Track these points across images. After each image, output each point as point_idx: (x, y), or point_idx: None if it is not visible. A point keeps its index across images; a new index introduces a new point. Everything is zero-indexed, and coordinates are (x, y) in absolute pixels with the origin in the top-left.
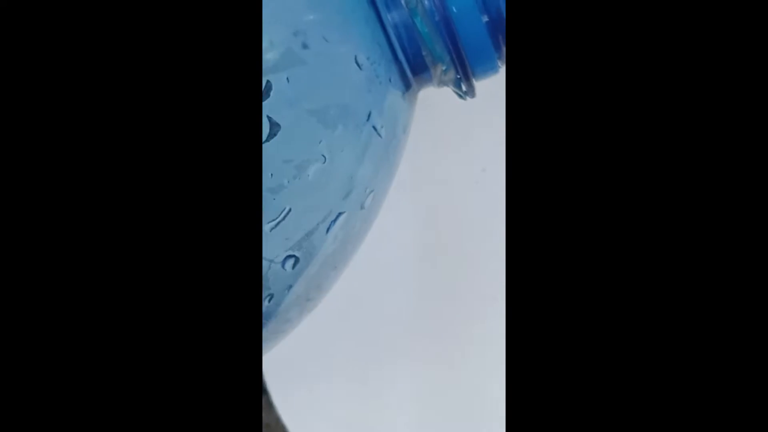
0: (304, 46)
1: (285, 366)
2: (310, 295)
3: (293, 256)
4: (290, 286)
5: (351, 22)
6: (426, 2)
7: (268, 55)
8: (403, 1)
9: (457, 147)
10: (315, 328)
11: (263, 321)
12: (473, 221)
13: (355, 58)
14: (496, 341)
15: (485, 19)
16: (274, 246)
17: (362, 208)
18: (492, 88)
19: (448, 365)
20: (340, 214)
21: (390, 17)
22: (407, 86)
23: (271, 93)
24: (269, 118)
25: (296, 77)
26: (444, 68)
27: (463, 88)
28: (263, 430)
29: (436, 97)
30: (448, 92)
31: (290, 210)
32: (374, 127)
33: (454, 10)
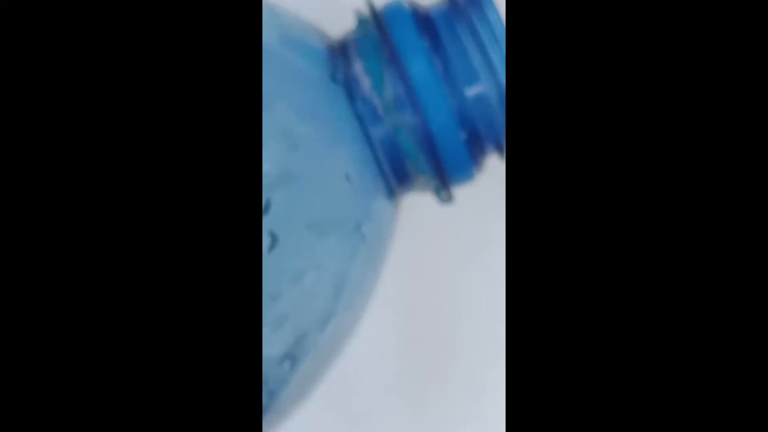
0: (299, 164)
1: None
2: (304, 389)
3: (291, 355)
4: (287, 383)
5: (341, 139)
6: (408, 120)
7: (268, 174)
8: (387, 119)
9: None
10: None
11: (262, 415)
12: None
13: (346, 174)
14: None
15: (463, 136)
16: (273, 347)
17: (352, 306)
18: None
19: None
20: (332, 314)
21: (375, 133)
22: (392, 194)
23: (271, 209)
24: (270, 232)
25: (293, 194)
26: (425, 179)
27: (443, 195)
28: None
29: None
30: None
31: (288, 314)
32: (363, 234)
33: (435, 128)
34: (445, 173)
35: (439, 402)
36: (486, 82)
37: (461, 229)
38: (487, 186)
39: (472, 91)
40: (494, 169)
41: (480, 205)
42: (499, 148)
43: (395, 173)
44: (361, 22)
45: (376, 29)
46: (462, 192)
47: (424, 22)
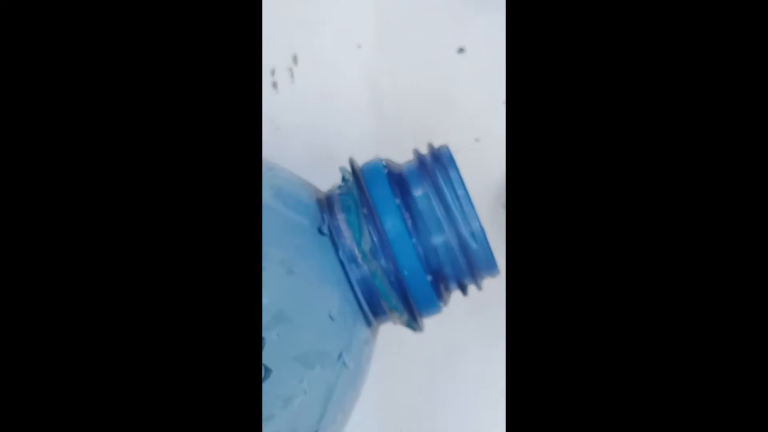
0: (290, 305)
1: None
2: None
3: None
4: None
5: (326, 282)
6: (383, 265)
7: (264, 317)
8: (364, 265)
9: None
10: None
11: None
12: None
13: (329, 313)
14: None
15: (429, 278)
16: None
17: (334, 422)
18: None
19: None
20: (318, 430)
21: (355, 277)
22: (369, 326)
23: (265, 345)
24: (263, 365)
25: (284, 333)
26: (398, 314)
27: (414, 326)
28: None
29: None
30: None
31: (280, 430)
32: (344, 363)
33: (405, 273)
34: (415, 309)
35: None
36: (448, 233)
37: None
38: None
39: (436, 241)
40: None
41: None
42: (461, 287)
43: (372, 309)
44: (344, 179)
45: (356, 187)
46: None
47: (397, 180)
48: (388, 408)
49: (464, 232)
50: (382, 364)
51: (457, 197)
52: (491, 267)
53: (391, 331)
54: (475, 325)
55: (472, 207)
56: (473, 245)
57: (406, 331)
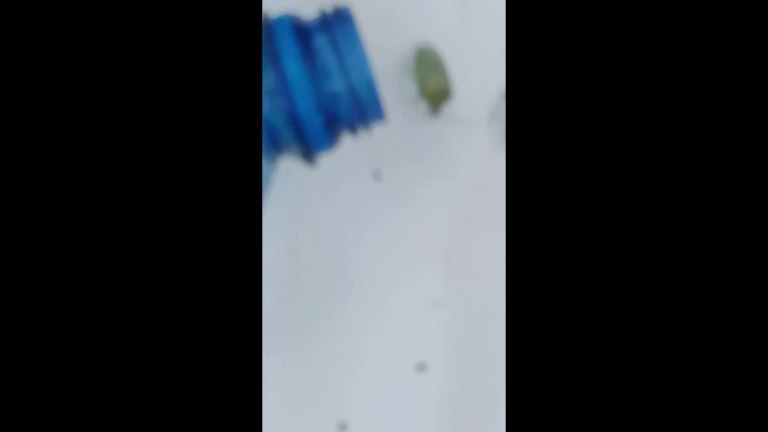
0: None
1: None
2: None
3: None
4: None
5: None
6: (282, 105)
7: None
8: (267, 104)
9: None
10: None
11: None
12: None
13: None
14: None
15: (322, 119)
16: None
17: None
18: None
19: None
20: None
21: (264, 113)
22: (271, 159)
23: None
24: None
25: None
26: (294, 149)
27: (308, 160)
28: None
29: None
30: None
31: None
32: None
33: (301, 112)
34: (309, 145)
35: None
36: (341, 81)
37: None
38: None
39: (330, 86)
40: None
41: None
42: (352, 128)
43: (274, 144)
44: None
45: (265, 36)
46: None
47: (301, 32)
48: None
49: (355, 80)
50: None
51: (352, 49)
52: (377, 113)
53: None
54: None
55: (365, 60)
56: (362, 92)
57: None
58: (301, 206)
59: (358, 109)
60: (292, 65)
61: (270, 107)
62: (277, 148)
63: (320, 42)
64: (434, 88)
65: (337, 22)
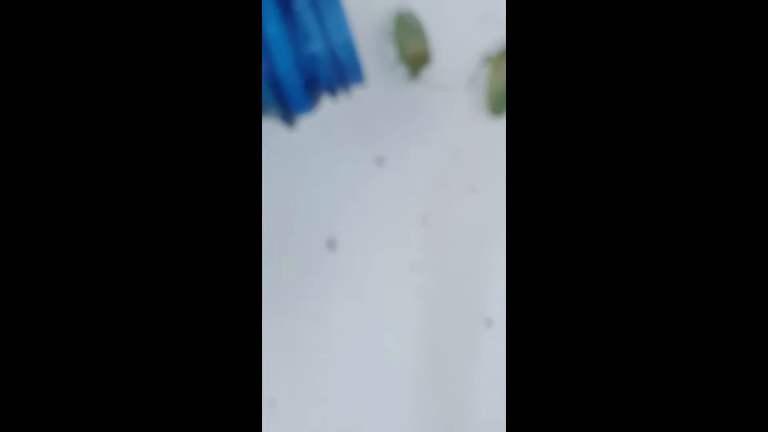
0: None
1: None
2: None
3: None
4: None
5: None
6: (263, 67)
7: None
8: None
9: None
10: None
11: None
12: None
13: None
14: None
15: (302, 81)
16: None
17: None
18: None
19: None
20: None
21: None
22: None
23: None
24: None
25: None
26: (275, 110)
27: (288, 122)
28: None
29: None
30: None
31: None
32: None
33: (280, 73)
34: (288, 108)
35: None
36: (320, 43)
37: None
38: None
39: (309, 48)
40: None
41: None
42: (331, 91)
43: (264, 105)
44: None
45: None
46: None
47: None
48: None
49: (335, 42)
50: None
51: (332, 12)
52: (357, 76)
53: None
54: None
55: (345, 22)
56: (342, 54)
57: None
58: (279, 169)
59: (337, 71)
60: (272, 26)
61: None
62: (265, 111)
63: (300, 4)
64: (414, 52)
65: None
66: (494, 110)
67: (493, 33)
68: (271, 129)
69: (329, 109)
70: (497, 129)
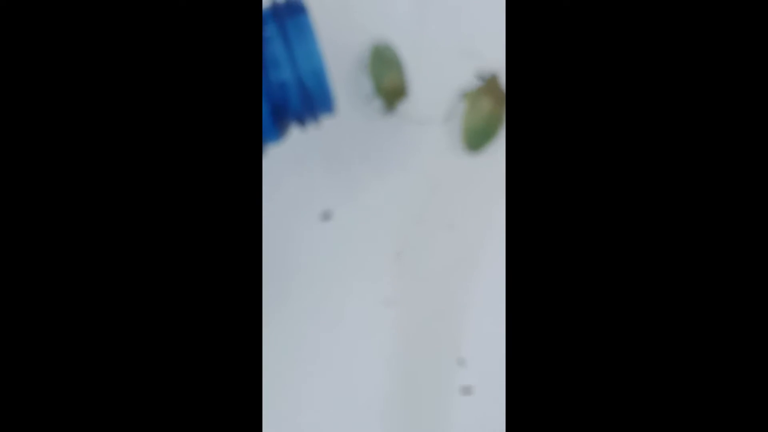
0: None
1: None
2: None
3: None
4: None
5: None
6: None
7: None
8: None
9: None
10: None
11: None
12: None
13: None
14: None
15: (269, 108)
16: None
17: None
18: None
19: None
20: None
21: None
22: None
23: None
24: None
25: None
26: None
27: None
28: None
29: None
30: None
31: None
32: None
33: None
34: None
35: None
36: (289, 71)
37: None
38: None
39: (278, 76)
40: None
41: None
42: (300, 122)
43: None
44: None
45: None
46: None
47: None
48: None
49: (304, 70)
50: None
51: (301, 40)
52: (326, 105)
53: None
54: None
55: (315, 50)
56: (310, 83)
57: None
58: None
59: (305, 99)
60: None
61: None
62: None
63: (270, 30)
64: (390, 85)
65: (288, 12)
66: (470, 146)
67: (472, 68)
68: None
69: (299, 139)
70: (474, 165)
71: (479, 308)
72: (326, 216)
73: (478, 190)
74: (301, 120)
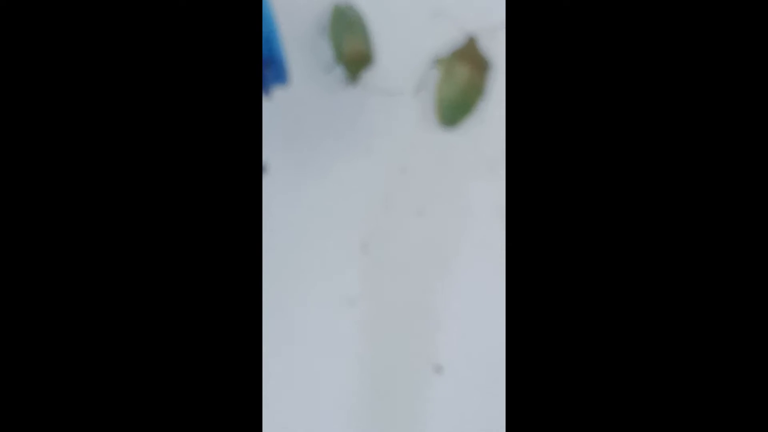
0: None
1: None
2: None
3: None
4: None
5: None
6: None
7: None
8: None
9: None
10: None
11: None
12: None
13: None
14: None
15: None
16: None
17: None
18: None
19: None
20: None
21: None
22: None
23: None
24: None
25: None
26: None
27: None
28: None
29: None
30: None
31: None
32: None
33: None
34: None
35: None
36: None
37: None
38: None
39: None
40: None
41: None
42: None
43: None
44: None
45: None
46: None
47: None
48: None
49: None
50: None
51: None
52: (279, 75)
53: None
54: None
55: (266, 10)
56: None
57: None
58: None
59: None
60: None
61: None
62: None
63: None
64: (353, 51)
65: None
66: (445, 121)
67: (446, 30)
68: None
69: None
70: (449, 142)
71: (455, 307)
72: (265, 169)
73: (453, 171)
74: None
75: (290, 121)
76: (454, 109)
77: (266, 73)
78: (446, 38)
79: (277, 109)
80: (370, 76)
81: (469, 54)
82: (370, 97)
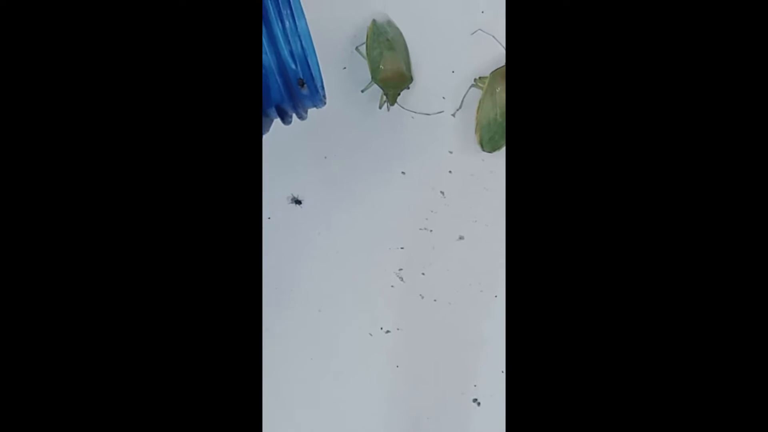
0: None
1: None
2: None
3: None
4: None
5: None
6: None
7: None
8: None
9: None
10: None
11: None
12: None
13: None
14: None
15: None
16: None
17: None
18: None
19: None
20: None
21: None
22: None
23: None
24: None
25: None
26: None
27: None
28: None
29: None
30: None
31: None
32: None
33: None
34: None
35: None
36: (268, 54)
37: None
38: None
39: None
40: None
41: None
42: (281, 115)
43: None
44: None
45: None
46: None
47: None
48: None
49: (289, 53)
50: None
51: (287, 17)
52: (316, 97)
53: None
54: None
55: (305, 31)
56: (292, 66)
57: None
58: None
59: (289, 89)
60: None
61: None
62: None
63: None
64: (391, 69)
65: None
66: (486, 144)
67: (486, 49)
68: None
69: (284, 132)
70: (490, 164)
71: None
72: (296, 201)
73: (497, 193)
74: (283, 114)
75: (324, 144)
76: (495, 131)
77: (302, 93)
78: (486, 57)
79: (311, 131)
80: (407, 96)
81: None
82: (407, 118)
